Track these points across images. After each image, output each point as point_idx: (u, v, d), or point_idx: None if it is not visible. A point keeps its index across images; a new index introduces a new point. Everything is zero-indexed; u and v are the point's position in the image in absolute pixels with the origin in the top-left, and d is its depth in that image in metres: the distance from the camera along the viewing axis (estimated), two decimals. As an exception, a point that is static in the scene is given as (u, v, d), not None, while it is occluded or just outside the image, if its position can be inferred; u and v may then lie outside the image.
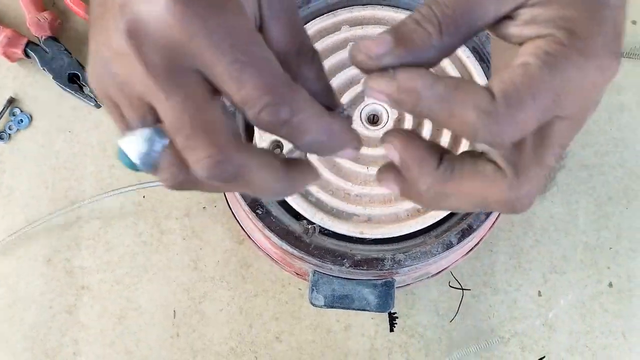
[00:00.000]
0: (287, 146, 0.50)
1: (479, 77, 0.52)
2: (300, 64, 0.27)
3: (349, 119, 0.28)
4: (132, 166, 0.27)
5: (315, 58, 0.28)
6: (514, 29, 0.27)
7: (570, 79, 0.25)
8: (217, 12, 0.24)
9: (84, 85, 0.62)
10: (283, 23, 0.27)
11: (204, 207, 0.61)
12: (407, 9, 0.54)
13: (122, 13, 0.24)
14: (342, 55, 0.53)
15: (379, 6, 0.54)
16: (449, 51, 0.27)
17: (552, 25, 0.25)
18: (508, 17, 0.27)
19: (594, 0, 0.25)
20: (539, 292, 0.59)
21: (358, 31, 0.54)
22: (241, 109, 0.25)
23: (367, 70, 0.27)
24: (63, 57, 0.62)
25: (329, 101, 0.28)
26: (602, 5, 0.25)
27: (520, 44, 0.27)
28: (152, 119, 0.26)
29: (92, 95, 0.62)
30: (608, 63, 0.25)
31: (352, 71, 0.52)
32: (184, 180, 0.26)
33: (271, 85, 0.24)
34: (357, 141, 0.28)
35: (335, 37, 0.53)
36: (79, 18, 0.64)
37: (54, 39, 0.63)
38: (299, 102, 0.25)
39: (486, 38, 0.54)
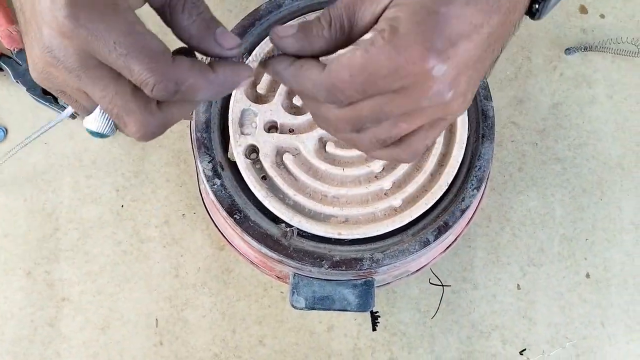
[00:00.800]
0: (262, 151, 0.51)
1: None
2: (173, 15, 0.33)
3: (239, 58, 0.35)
4: (102, 136, 0.35)
5: (187, 6, 0.33)
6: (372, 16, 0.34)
7: (380, 64, 0.32)
8: (100, 17, 0.30)
9: (58, 97, 0.62)
10: None
11: (183, 215, 0.61)
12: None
13: (39, 36, 0.31)
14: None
15: (349, 8, 0.54)
16: (338, 43, 0.34)
17: (385, 23, 0.33)
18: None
19: (424, 8, 0.32)
20: (518, 285, 0.60)
21: (330, 34, 0.54)
22: (141, 88, 0.31)
23: (277, 47, 0.35)
24: (36, 68, 0.62)
25: (209, 44, 0.33)
26: (428, 11, 0.32)
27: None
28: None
29: (66, 106, 0.61)
30: (417, 54, 0.31)
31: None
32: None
33: (151, 67, 0.30)
34: (246, 72, 0.35)
35: (307, 40, 0.54)
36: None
37: (26, 51, 0.62)
38: (181, 73, 0.31)
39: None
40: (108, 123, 0.34)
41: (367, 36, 0.33)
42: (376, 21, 0.33)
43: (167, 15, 0.33)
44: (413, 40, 0.32)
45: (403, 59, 0.32)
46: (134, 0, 0.32)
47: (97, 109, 0.34)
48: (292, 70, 0.35)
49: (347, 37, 0.34)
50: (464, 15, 0.32)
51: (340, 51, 0.34)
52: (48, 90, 0.34)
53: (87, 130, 0.35)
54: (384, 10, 0.33)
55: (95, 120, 0.34)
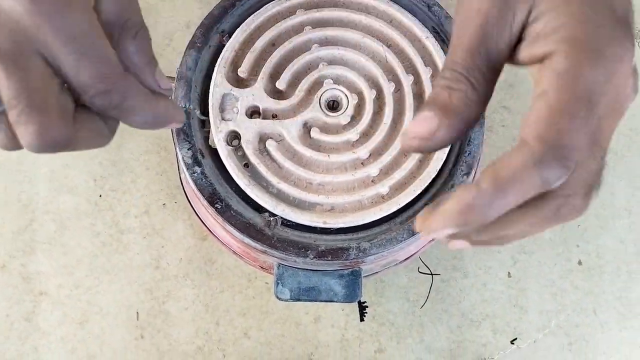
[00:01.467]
0: (244, 137, 0.49)
1: (439, 58, 0.51)
2: (122, 38, 0.31)
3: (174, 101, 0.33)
4: None
5: (139, 35, 0.31)
6: (525, 51, 0.27)
7: (591, 85, 0.25)
8: (63, 7, 0.27)
9: None
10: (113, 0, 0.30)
11: (163, 204, 0.59)
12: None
13: None
14: (299, 39, 0.51)
15: (333, -12, 0.52)
16: (487, 98, 0.28)
17: (555, 39, 0.25)
18: (519, 41, 0.27)
19: (582, 4, 0.25)
20: (509, 273, 0.59)
21: (315, 14, 0.52)
22: (77, 92, 0.29)
23: (426, 151, 0.28)
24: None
25: (147, 76, 0.32)
26: (591, 8, 0.25)
27: (536, 62, 0.27)
28: None
29: None
30: (619, 50, 0.25)
31: (309, 56, 0.51)
32: (10, 145, 0.30)
33: (105, 74, 0.28)
34: (182, 117, 0.33)
35: (290, 21, 0.52)
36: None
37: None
38: (129, 89, 0.29)
39: (445, 18, 0.53)
40: None
41: (538, 76, 0.26)
42: (515, 46, 0.27)
43: (115, 35, 0.31)
44: (605, 36, 0.25)
45: (608, 63, 0.25)
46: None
47: None
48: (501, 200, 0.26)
49: (492, 85, 0.28)
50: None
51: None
52: None
53: None
54: (521, 30, 0.27)
55: None
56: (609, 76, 0.25)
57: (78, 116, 0.30)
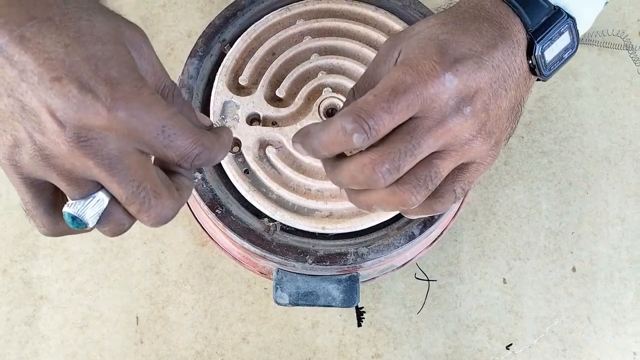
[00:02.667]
0: (244, 144, 0.49)
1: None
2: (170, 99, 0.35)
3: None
4: (80, 226, 0.32)
5: (175, 94, 0.35)
6: None
7: (398, 80, 0.35)
8: (143, 104, 0.30)
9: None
10: (149, 72, 0.34)
11: (164, 210, 0.59)
12: (361, 0, 0.54)
13: (61, 126, 0.29)
14: (299, 48, 0.52)
15: (332, -1, 0.54)
16: None
17: (398, 62, 0.37)
18: None
19: (425, 38, 0.37)
20: (504, 279, 0.59)
21: (314, 24, 0.53)
22: (177, 163, 0.33)
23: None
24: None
25: (198, 122, 0.36)
26: (429, 38, 0.37)
27: None
28: (96, 187, 0.32)
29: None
30: (428, 66, 0.35)
31: (308, 65, 0.52)
32: (119, 232, 0.34)
33: (197, 139, 0.33)
34: (232, 134, 0.38)
35: (290, 31, 0.53)
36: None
37: None
38: (211, 140, 0.34)
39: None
40: (97, 209, 0.32)
41: None
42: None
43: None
44: (422, 57, 0.35)
45: (416, 73, 0.35)
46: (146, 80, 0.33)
47: (96, 196, 0.32)
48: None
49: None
50: (463, 42, 0.36)
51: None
52: (12, 178, 0.32)
53: (69, 220, 0.32)
54: (395, 64, 0.37)
55: (88, 207, 0.32)
56: (418, 81, 0.34)
57: (176, 182, 0.35)
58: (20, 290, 0.58)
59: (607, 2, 0.42)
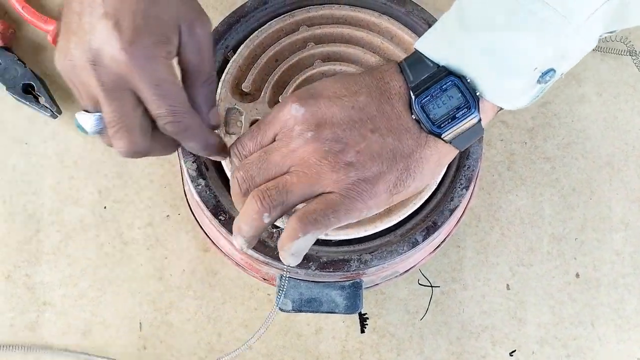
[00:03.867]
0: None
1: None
2: (195, 84, 0.43)
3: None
4: (84, 131, 0.42)
5: (206, 84, 0.44)
6: None
7: (267, 117, 0.45)
8: (151, 61, 0.39)
9: (39, 96, 0.60)
10: (193, 52, 0.42)
11: (167, 216, 0.60)
12: (364, 7, 0.54)
13: (86, 44, 0.39)
14: (302, 55, 0.52)
15: (336, 5, 0.54)
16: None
17: None
18: None
19: (303, 88, 0.45)
20: (507, 285, 0.59)
21: (317, 31, 0.53)
22: (155, 117, 0.41)
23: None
24: (16, 67, 0.61)
25: (203, 115, 0.44)
26: (307, 87, 0.45)
27: None
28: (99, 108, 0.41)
29: (48, 106, 0.60)
30: (285, 102, 0.43)
31: (312, 71, 0.52)
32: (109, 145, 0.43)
33: (175, 111, 0.41)
34: (224, 153, 0.45)
35: (294, 37, 0.53)
36: (32, 27, 0.63)
37: (6, 48, 0.61)
38: (190, 123, 0.42)
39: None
40: (99, 126, 0.41)
41: None
42: None
43: (191, 79, 0.43)
44: (289, 97, 0.43)
45: (278, 106, 0.43)
46: (171, 50, 0.41)
47: (97, 114, 0.41)
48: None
49: None
50: (330, 87, 0.42)
51: None
52: (64, 77, 0.41)
53: (77, 124, 0.42)
54: None
55: (89, 120, 0.41)
56: (276, 111, 0.43)
57: (154, 134, 0.42)
58: (23, 296, 0.58)
59: (542, 92, 0.43)
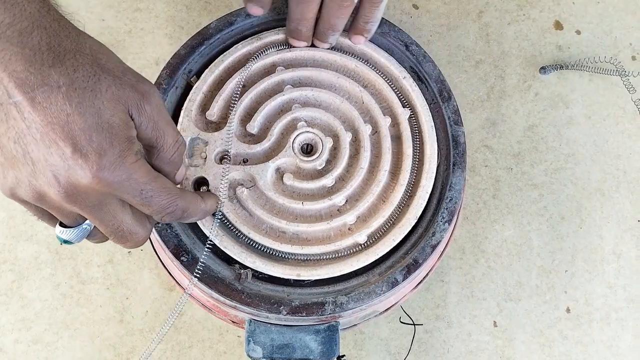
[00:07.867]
0: (212, 184, 0.46)
1: (417, 98, 0.49)
2: (160, 157, 0.40)
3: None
4: (67, 243, 0.40)
5: (174, 155, 0.40)
6: None
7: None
8: (126, 174, 0.36)
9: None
10: (148, 129, 0.38)
11: (129, 252, 0.55)
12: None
13: (52, 177, 0.35)
14: (271, 80, 0.49)
15: (307, 26, 0.50)
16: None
17: None
18: None
19: None
20: (495, 322, 0.56)
21: (287, 54, 0.50)
22: (150, 215, 0.40)
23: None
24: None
25: (171, 179, 0.41)
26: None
27: None
28: (82, 218, 0.39)
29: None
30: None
31: (281, 98, 0.48)
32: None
33: (171, 201, 0.39)
34: (219, 204, 0.45)
35: (261, 61, 0.49)
36: None
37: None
38: (187, 203, 0.41)
39: (423, 57, 0.50)
40: (85, 236, 0.40)
41: None
42: None
43: (153, 151, 0.39)
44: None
45: None
46: (137, 148, 0.37)
47: (80, 227, 0.39)
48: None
49: None
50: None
51: None
52: (18, 203, 0.37)
53: (59, 237, 0.39)
54: None
55: (73, 233, 0.39)
56: None
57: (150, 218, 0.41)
58: (-28, 342, 0.53)
59: None
